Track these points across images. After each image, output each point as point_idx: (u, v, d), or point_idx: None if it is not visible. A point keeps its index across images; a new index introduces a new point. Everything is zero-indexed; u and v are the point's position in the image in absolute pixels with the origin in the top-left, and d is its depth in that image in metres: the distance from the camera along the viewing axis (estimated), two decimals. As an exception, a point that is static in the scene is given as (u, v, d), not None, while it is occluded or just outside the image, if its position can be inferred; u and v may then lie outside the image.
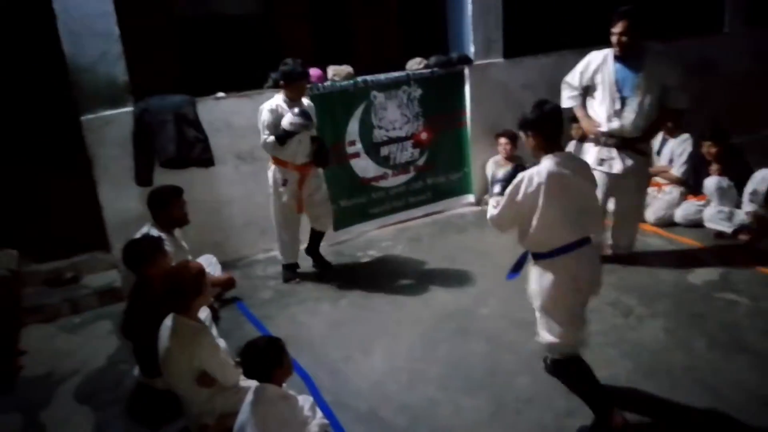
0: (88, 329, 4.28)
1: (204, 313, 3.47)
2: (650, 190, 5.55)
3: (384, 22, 6.32)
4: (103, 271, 4.83)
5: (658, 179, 5.56)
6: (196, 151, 4.76)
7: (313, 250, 4.96)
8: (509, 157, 5.92)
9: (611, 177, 4.29)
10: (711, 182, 5.01)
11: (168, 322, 2.91)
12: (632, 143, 4.24)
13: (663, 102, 4.20)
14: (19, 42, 4.82)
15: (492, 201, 2.91)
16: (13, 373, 3.72)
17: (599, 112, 4.29)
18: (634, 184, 4.38)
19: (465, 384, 3.30)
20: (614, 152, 4.26)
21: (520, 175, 2.70)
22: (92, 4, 4.36)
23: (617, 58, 4.16)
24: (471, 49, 5.85)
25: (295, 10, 6.06)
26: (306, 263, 4.93)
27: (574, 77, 4.44)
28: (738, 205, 4.92)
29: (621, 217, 4.59)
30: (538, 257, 2.80)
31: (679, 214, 5.22)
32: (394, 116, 5.60)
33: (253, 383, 2.88)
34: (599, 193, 3.86)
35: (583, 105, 4.45)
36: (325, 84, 5.18)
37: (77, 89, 4.46)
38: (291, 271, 4.79)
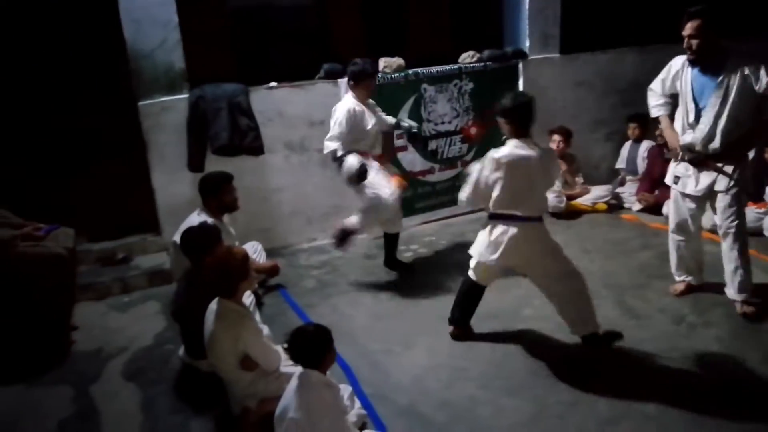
0: (137, 308, 4.40)
1: (248, 299, 3.52)
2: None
3: (437, 14, 6.25)
4: (153, 253, 4.96)
5: (717, 184, 5.36)
6: (248, 140, 4.83)
7: (391, 258, 4.73)
8: (562, 155, 5.79)
9: (691, 198, 3.80)
10: (773, 190, 4.79)
11: (213, 305, 2.97)
12: (712, 160, 3.66)
13: (758, 112, 3.54)
14: (80, 28, 4.97)
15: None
16: (66, 348, 3.86)
17: (677, 123, 3.86)
18: (720, 207, 3.73)
19: (507, 384, 3.25)
20: (690, 169, 3.76)
21: (484, 158, 3.33)
22: (153, -8, 4.47)
23: (692, 63, 3.71)
24: (526, 44, 5.74)
25: (347, 1, 6.07)
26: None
27: (657, 84, 4.05)
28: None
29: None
30: (492, 217, 3.37)
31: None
32: (444, 110, 5.55)
33: (294, 369, 2.92)
34: (680, 215, 3.87)
35: (672, 114, 3.97)
36: (377, 76, 5.16)
37: (136, 75, 4.59)
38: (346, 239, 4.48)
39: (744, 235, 3.79)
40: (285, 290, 4.49)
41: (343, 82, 5.10)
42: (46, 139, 5.04)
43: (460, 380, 3.30)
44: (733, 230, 3.73)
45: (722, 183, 3.66)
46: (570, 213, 5.69)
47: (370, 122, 4.36)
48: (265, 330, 3.28)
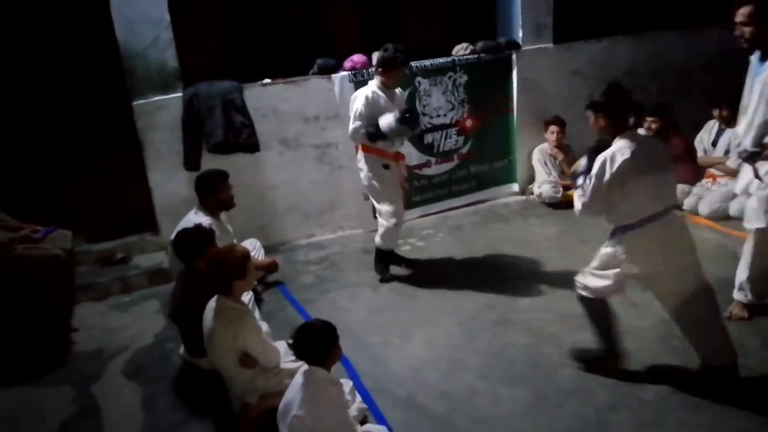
0: (137, 308, 4.41)
1: (247, 296, 3.53)
2: (704, 182, 5.38)
3: (433, 7, 6.24)
4: (152, 252, 4.97)
5: (713, 171, 5.37)
6: (243, 137, 4.83)
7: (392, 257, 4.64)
8: (558, 145, 5.80)
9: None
10: (770, 175, 4.77)
11: (212, 303, 2.98)
12: (752, 158, 3.35)
13: None
14: (74, 28, 4.96)
15: (577, 193, 3.01)
16: (67, 348, 3.87)
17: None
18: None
19: (505, 374, 3.26)
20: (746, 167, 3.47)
21: (600, 158, 2.84)
22: (145, -10, 4.46)
23: (747, 52, 3.40)
24: (519, 34, 5.73)
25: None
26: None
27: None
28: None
29: None
30: (626, 229, 2.91)
31: (734, 207, 5.00)
32: (439, 103, 5.55)
33: (294, 365, 2.93)
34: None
35: None
36: (370, 70, 5.16)
37: (129, 74, 4.58)
38: (388, 263, 4.49)
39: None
40: (284, 286, 4.50)
41: (337, 77, 5.11)
42: (42, 141, 5.04)
43: (458, 371, 3.32)
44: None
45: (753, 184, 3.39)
46: (566, 203, 5.69)
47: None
48: (264, 327, 3.30)
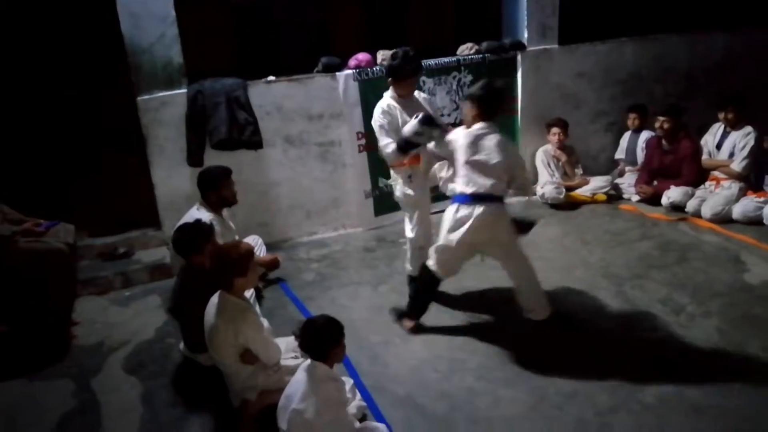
0: (139, 303, 4.42)
1: (248, 292, 3.54)
2: (707, 184, 5.37)
3: (438, 6, 6.23)
4: (154, 247, 4.98)
5: (716, 174, 5.36)
6: (247, 134, 4.83)
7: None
8: (561, 147, 5.79)
9: None
10: (774, 179, 4.78)
11: (215, 299, 2.98)
12: None
13: None
14: (79, 22, 4.97)
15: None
16: (67, 342, 3.88)
17: None
18: None
19: (505, 375, 3.25)
20: None
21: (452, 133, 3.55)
22: (151, -14, 4.46)
23: None
24: (525, 35, 5.72)
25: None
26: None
27: None
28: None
29: None
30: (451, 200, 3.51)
31: (738, 210, 5.00)
32: (443, 102, 5.54)
33: (294, 362, 2.94)
34: None
35: None
36: (374, 69, 5.16)
37: (134, 70, 4.59)
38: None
39: None
40: (285, 284, 4.50)
41: (341, 75, 5.11)
42: (45, 136, 5.05)
43: (458, 371, 3.31)
44: None
45: None
46: (569, 204, 5.70)
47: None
48: (265, 323, 3.30)
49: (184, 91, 4.73)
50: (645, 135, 5.85)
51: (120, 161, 4.97)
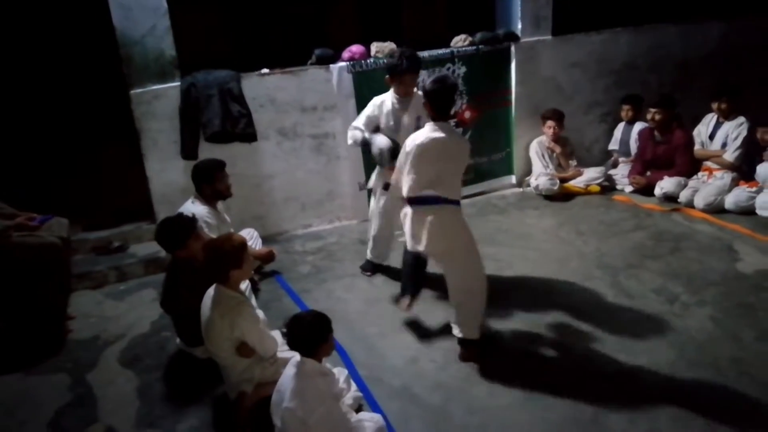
0: (133, 296, 4.41)
1: (244, 285, 3.53)
2: (700, 174, 5.39)
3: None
4: (149, 241, 4.93)
5: (709, 164, 5.38)
6: (240, 126, 4.81)
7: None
8: (556, 138, 5.79)
9: None
10: (765, 169, 4.80)
11: (210, 292, 2.97)
12: None
13: None
14: (71, 16, 4.93)
15: None
16: (62, 336, 3.87)
17: None
18: None
19: (500, 366, 3.26)
20: None
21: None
22: (141, -23, 4.43)
23: None
24: (518, 26, 5.70)
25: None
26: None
27: None
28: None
29: None
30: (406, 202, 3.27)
31: (730, 200, 5.03)
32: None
33: (290, 354, 2.93)
34: None
35: None
36: (368, 61, 5.14)
37: (127, 63, 4.55)
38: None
39: None
40: (281, 276, 4.50)
41: (335, 67, 5.09)
42: (39, 130, 5.03)
43: (453, 362, 3.32)
44: None
45: None
46: (563, 195, 5.71)
47: (404, 122, 3.85)
48: (261, 315, 3.30)
49: (177, 83, 4.69)
50: (639, 126, 5.86)
51: (113, 155, 4.95)
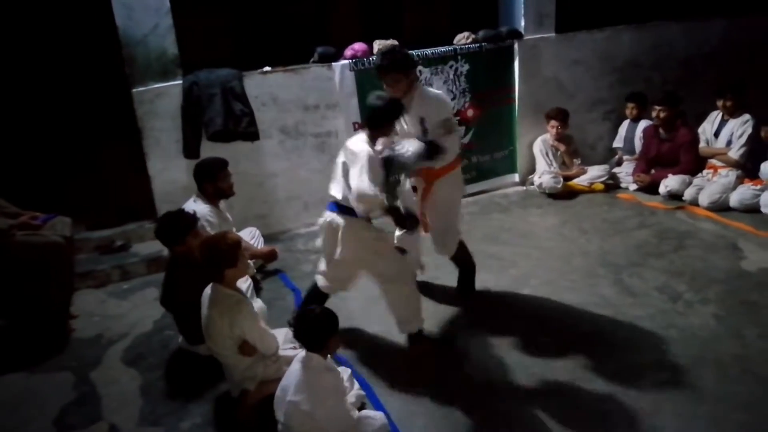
0: (136, 295, 4.41)
1: (246, 284, 3.54)
2: (705, 172, 5.37)
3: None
4: (151, 240, 4.92)
5: (714, 162, 5.36)
6: (243, 125, 4.81)
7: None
8: (559, 138, 5.78)
9: None
10: (770, 167, 4.79)
11: (207, 291, 2.97)
12: None
13: None
14: (72, 14, 4.94)
15: None
16: (66, 335, 3.88)
17: None
18: None
19: (502, 363, 3.26)
20: None
21: None
22: (144, -23, 4.43)
23: None
24: (521, 23, 5.69)
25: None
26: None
27: None
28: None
29: None
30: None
31: (735, 198, 5.01)
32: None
33: (293, 353, 2.94)
34: None
35: None
36: (371, 58, 5.13)
37: (129, 62, 4.56)
38: None
39: None
40: (284, 274, 4.50)
41: (337, 65, 5.09)
42: (42, 128, 5.04)
43: (456, 360, 3.32)
44: None
45: None
46: (567, 193, 5.69)
47: (405, 124, 3.49)
48: (261, 306, 3.31)
49: (179, 82, 4.70)
50: (643, 124, 5.83)
51: (116, 154, 4.95)
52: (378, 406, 2.96)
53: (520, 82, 5.77)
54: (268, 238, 4.84)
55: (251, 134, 4.87)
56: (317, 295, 3.55)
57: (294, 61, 5.11)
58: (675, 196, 5.33)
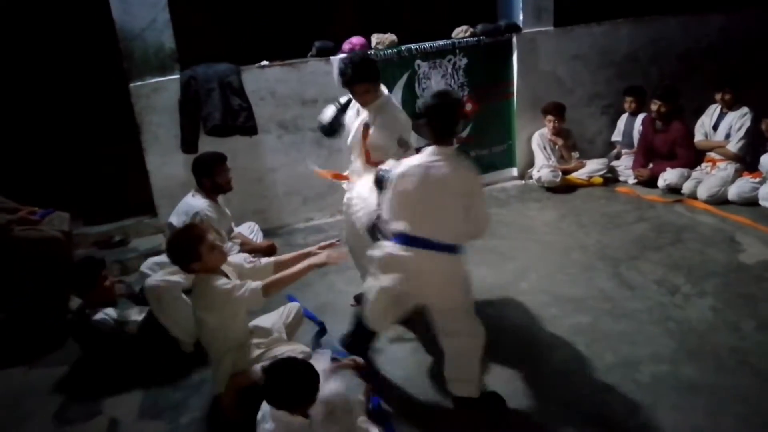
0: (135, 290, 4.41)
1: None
2: (703, 165, 5.37)
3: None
4: (150, 234, 4.97)
5: (712, 155, 5.36)
6: (240, 119, 4.81)
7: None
8: (557, 132, 5.77)
9: None
10: (768, 159, 4.79)
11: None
12: None
13: None
14: (70, 10, 4.93)
15: None
16: (65, 330, 3.87)
17: None
18: None
19: (501, 355, 3.26)
20: None
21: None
22: (141, -29, 4.42)
23: None
24: (520, 17, 5.68)
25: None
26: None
27: None
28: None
29: None
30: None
31: (733, 191, 5.01)
32: (438, 86, 5.50)
33: (287, 348, 2.94)
34: None
35: None
36: (369, 52, 5.13)
37: (126, 57, 4.55)
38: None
39: None
40: (306, 309, 4.43)
41: (335, 59, 5.07)
42: (40, 124, 5.03)
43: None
44: None
45: None
46: (565, 187, 5.70)
47: (351, 130, 3.50)
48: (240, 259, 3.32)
49: (176, 76, 4.69)
50: (642, 118, 5.82)
51: (114, 149, 4.96)
52: (377, 402, 2.95)
53: (519, 76, 5.76)
54: (267, 233, 4.85)
55: (249, 129, 4.87)
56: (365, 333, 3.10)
57: (292, 55, 5.10)
58: (674, 190, 5.33)
